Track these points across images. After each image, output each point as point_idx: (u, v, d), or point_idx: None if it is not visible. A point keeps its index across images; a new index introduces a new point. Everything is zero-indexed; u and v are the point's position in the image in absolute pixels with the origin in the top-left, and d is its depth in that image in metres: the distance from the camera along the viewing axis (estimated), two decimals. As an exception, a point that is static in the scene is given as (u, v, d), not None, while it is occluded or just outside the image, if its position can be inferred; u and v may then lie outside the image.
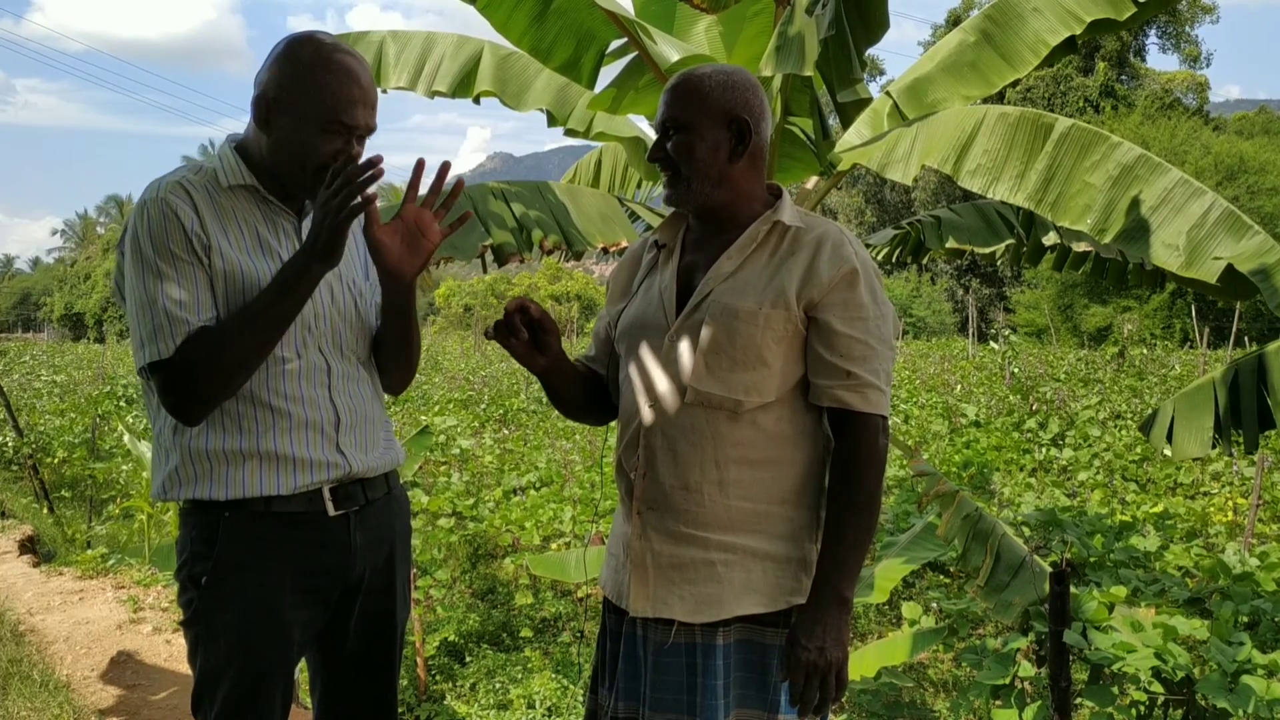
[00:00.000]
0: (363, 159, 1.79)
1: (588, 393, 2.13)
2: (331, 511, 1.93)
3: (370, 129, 1.92)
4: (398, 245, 1.94)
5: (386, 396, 2.18)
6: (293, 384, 1.89)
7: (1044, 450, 9.19)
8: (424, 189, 1.97)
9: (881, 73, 44.96)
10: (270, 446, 1.86)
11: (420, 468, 7.77)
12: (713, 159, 1.88)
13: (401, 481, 2.17)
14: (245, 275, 1.84)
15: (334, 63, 1.85)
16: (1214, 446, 3.54)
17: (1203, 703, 3.20)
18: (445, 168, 1.95)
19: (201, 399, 1.80)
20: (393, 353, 2.08)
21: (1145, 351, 18.64)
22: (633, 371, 1.95)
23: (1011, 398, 12.24)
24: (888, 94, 4.11)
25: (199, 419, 1.82)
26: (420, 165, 1.94)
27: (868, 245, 4.85)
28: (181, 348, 1.76)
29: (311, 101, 1.84)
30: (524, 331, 1.92)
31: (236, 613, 1.85)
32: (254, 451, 1.85)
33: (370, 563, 2.01)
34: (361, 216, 1.89)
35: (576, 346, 24.28)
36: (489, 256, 3.80)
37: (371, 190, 1.77)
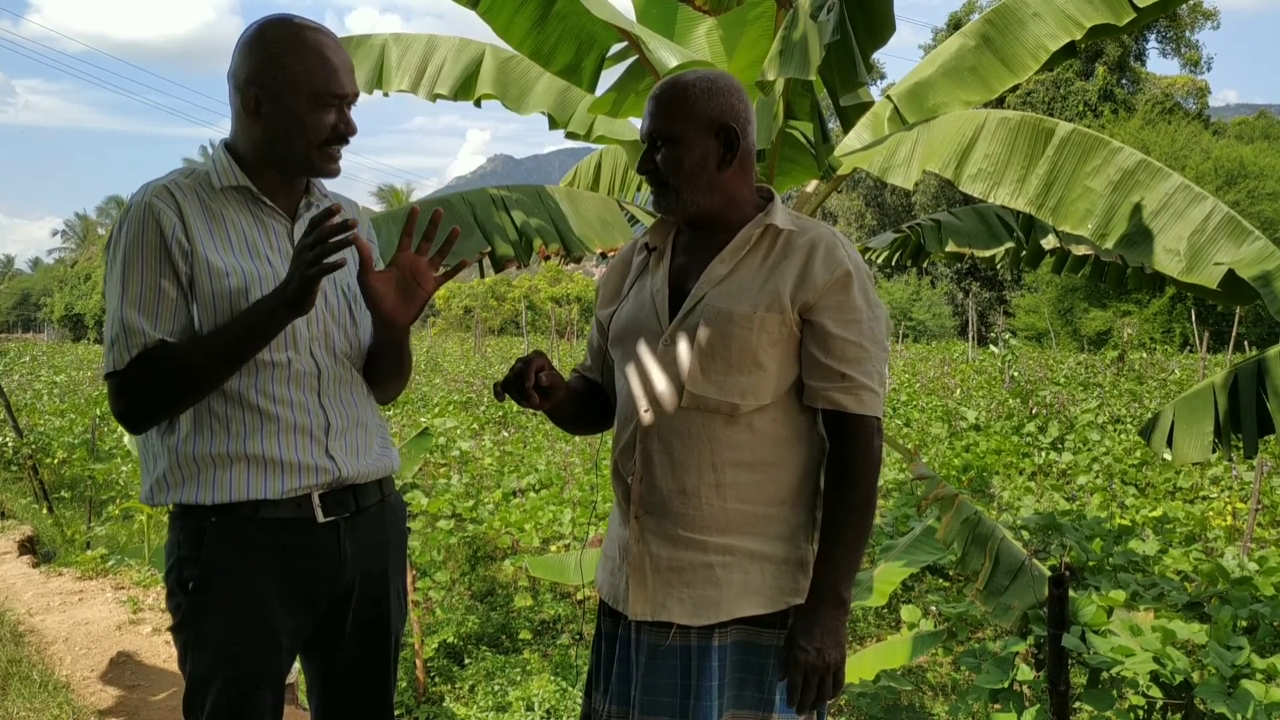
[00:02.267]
0: (338, 217, 1.75)
1: (588, 407, 2.14)
2: (320, 518, 1.91)
3: (356, 94, 1.92)
4: (392, 293, 1.92)
5: None
6: (281, 387, 1.87)
7: (1043, 454, 9.19)
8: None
9: (882, 76, 45.02)
10: (258, 450, 1.84)
11: (420, 469, 7.76)
12: (702, 169, 1.87)
13: (401, 483, 2.16)
14: (231, 276, 1.83)
15: (305, 39, 1.85)
16: (1213, 451, 3.54)
17: (1201, 707, 3.20)
18: (438, 215, 1.93)
19: (146, 413, 1.81)
20: (383, 378, 2.08)
21: (1145, 356, 18.67)
22: (628, 376, 1.95)
23: (1011, 401, 12.25)
24: (888, 98, 4.12)
25: (142, 430, 1.84)
26: (414, 214, 1.94)
27: (867, 249, 4.86)
28: (134, 361, 1.77)
29: (296, 78, 1.83)
30: (535, 397, 1.89)
31: (223, 619, 1.84)
32: (241, 454, 1.83)
33: (362, 570, 1.99)
34: (359, 262, 1.89)
35: (577, 348, 24.27)
36: (487, 262, 3.81)
37: (342, 256, 1.76)
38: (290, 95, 1.84)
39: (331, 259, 1.71)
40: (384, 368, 2.05)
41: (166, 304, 1.79)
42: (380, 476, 2.04)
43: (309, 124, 1.85)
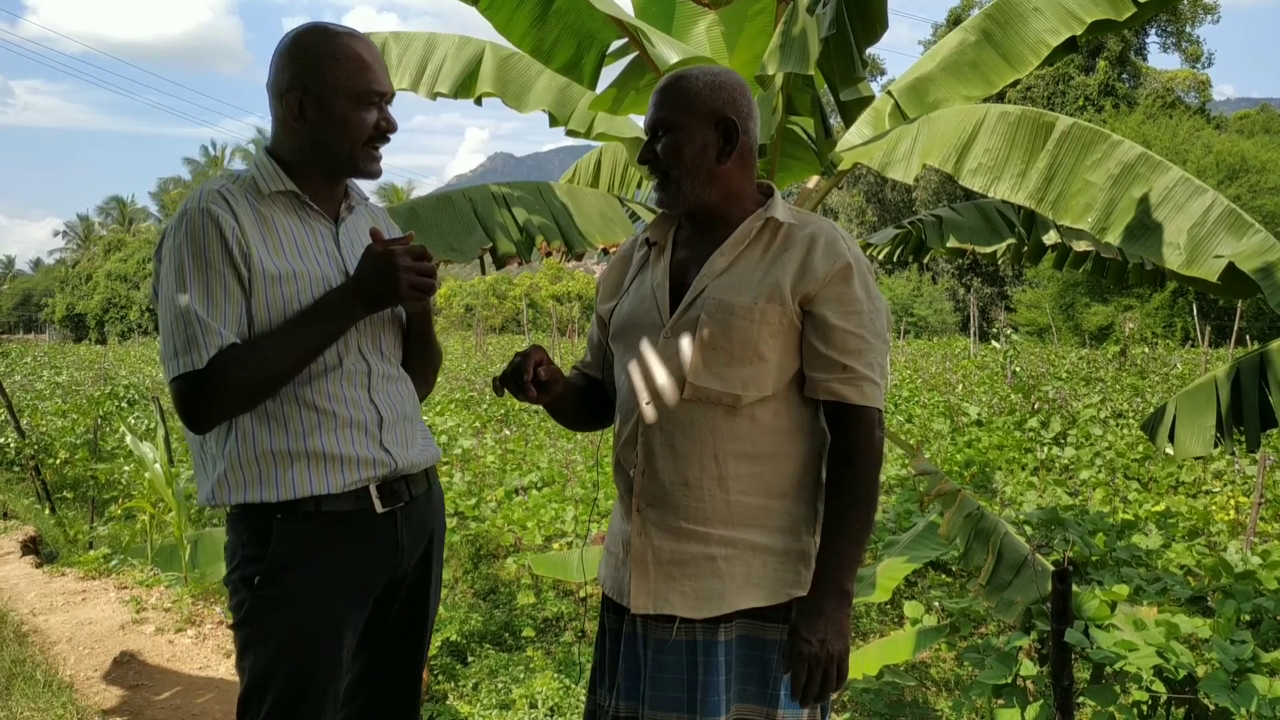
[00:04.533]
0: (371, 224, 2.00)
1: (588, 403, 2.15)
2: (379, 509, 1.96)
3: (393, 92, 2.01)
4: None
5: None
6: (335, 386, 1.92)
7: (1046, 449, 9.19)
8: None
9: (882, 72, 44.96)
10: (318, 446, 1.89)
11: (422, 468, 7.74)
12: (701, 160, 1.89)
13: None
14: (284, 278, 1.89)
15: (340, 42, 1.92)
16: (1216, 445, 3.54)
17: (1205, 701, 3.20)
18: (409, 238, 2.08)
19: (219, 412, 1.83)
20: (415, 360, 2.16)
21: (1147, 350, 18.62)
22: (630, 369, 1.96)
23: (1013, 397, 12.24)
24: (889, 93, 4.11)
25: (207, 430, 1.86)
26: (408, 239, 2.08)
27: (869, 245, 4.85)
28: (214, 359, 1.79)
29: (337, 80, 1.90)
30: (533, 391, 1.91)
31: (289, 612, 1.88)
32: (302, 452, 1.88)
33: (411, 557, 2.06)
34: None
35: (578, 346, 24.27)
36: (488, 259, 3.81)
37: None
38: (332, 96, 1.91)
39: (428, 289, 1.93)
40: (412, 348, 2.16)
41: (233, 306, 1.83)
42: (427, 466, 2.11)
43: (353, 123, 1.93)
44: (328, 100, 1.91)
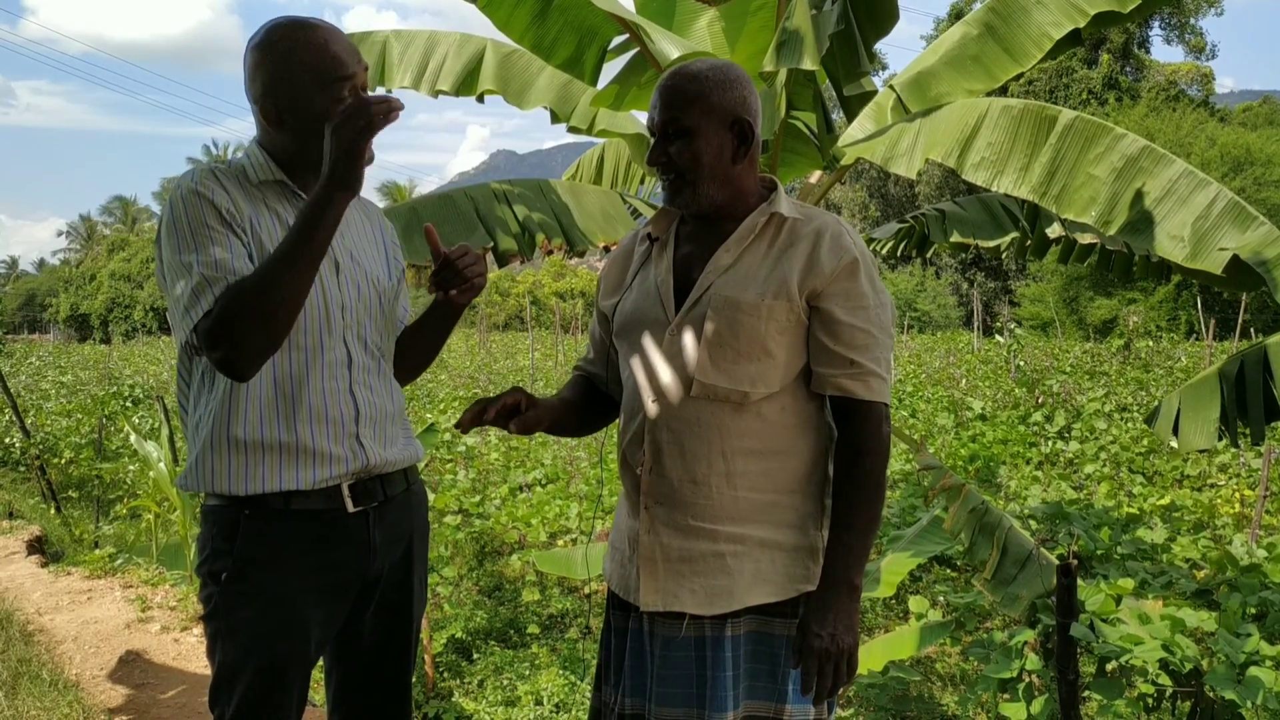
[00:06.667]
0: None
1: (588, 410, 2.15)
2: (350, 508, 1.94)
3: (365, 69, 1.95)
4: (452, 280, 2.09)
5: None
6: (315, 375, 1.90)
7: (1050, 443, 9.18)
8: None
9: (884, 67, 44.81)
10: (291, 437, 1.87)
11: (426, 465, 7.77)
12: (718, 163, 1.87)
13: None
14: None
15: (302, 38, 1.88)
16: (1220, 438, 3.53)
17: (1211, 694, 3.19)
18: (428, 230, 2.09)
19: (248, 349, 1.76)
20: (420, 353, 2.19)
21: (1151, 344, 18.59)
22: (635, 367, 1.95)
23: (1017, 391, 12.24)
24: (891, 88, 4.11)
25: (250, 372, 1.80)
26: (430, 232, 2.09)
27: (872, 240, 4.85)
28: (219, 298, 1.76)
29: (304, 80, 1.86)
30: (487, 414, 1.92)
31: (256, 609, 1.87)
32: (275, 442, 1.86)
33: (388, 558, 2.03)
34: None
35: (580, 343, 24.27)
36: (490, 257, 3.81)
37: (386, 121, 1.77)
38: (304, 97, 1.87)
39: (373, 122, 1.73)
40: (425, 341, 2.19)
41: (237, 259, 1.81)
42: (406, 465, 2.08)
43: (328, 113, 1.86)
44: (299, 102, 1.87)
